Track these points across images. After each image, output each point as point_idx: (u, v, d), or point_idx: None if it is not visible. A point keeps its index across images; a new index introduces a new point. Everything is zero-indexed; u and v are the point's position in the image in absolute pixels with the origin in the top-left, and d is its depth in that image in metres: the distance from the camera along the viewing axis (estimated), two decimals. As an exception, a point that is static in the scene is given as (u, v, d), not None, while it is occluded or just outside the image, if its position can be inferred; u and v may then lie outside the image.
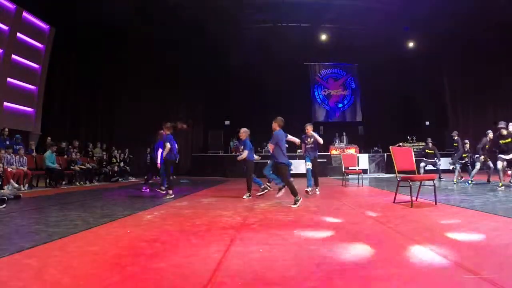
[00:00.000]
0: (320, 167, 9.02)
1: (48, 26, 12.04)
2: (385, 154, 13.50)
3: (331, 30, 14.89)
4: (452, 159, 9.32)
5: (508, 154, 6.54)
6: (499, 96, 13.82)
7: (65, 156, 9.75)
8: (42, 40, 11.90)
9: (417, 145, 13.55)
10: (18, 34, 10.88)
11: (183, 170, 14.20)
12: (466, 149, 8.82)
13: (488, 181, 7.73)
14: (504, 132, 6.59)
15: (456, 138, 9.16)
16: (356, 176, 9.08)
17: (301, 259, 2.27)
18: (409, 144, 13.65)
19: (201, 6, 12.54)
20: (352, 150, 13.32)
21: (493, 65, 13.48)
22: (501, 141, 6.62)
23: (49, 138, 9.75)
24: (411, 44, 15.25)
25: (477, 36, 13.13)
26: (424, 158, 9.52)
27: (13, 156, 7.80)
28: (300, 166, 10.45)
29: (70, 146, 10.17)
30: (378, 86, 15.36)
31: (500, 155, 6.61)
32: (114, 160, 11.64)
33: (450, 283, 1.80)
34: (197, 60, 14.81)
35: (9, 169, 7.29)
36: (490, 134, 7.43)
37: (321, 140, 6.43)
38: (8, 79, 10.62)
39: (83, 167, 9.92)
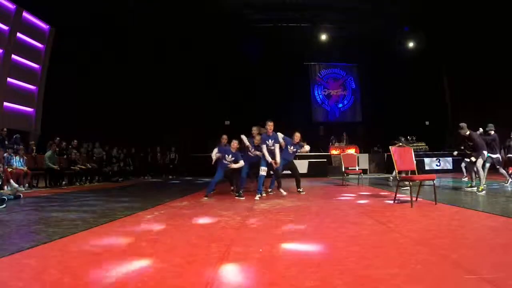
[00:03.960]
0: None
1: (48, 26, 12.03)
2: (385, 154, 13.50)
3: (331, 30, 14.90)
4: None
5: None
6: (499, 95, 13.80)
7: (65, 156, 9.74)
8: (42, 40, 11.89)
9: (417, 145, 13.53)
10: (18, 34, 10.86)
11: (183, 170, 14.23)
12: None
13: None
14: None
15: None
16: (356, 176, 9.07)
17: (301, 259, 2.27)
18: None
19: (201, 6, 12.55)
20: (352, 150, 13.30)
21: (494, 64, 13.47)
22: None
23: (58, 138, 9.72)
24: (411, 44, 15.25)
25: (478, 35, 13.12)
26: None
27: (13, 156, 7.80)
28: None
29: (70, 146, 10.16)
30: (378, 86, 15.36)
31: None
32: (114, 160, 11.64)
33: (450, 283, 1.80)
34: (197, 60, 14.81)
35: (9, 169, 7.29)
36: None
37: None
38: (8, 79, 10.60)
39: (83, 167, 9.91)
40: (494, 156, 6.46)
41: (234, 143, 5.96)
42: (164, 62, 14.60)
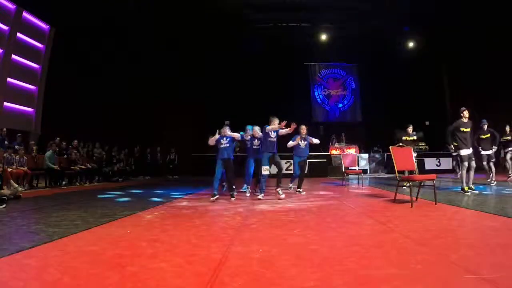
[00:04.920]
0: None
1: (48, 26, 12.02)
2: (385, 154, 13.49)
3: (331, 30, 14.89)
4: None
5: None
6: (499, 95, 13.80)
7: (65, 156, 9.75)
8: (42, 40, 11.88)
9: (417, 145, 13.52)
10: (18, 34, 10.85)
11: (183, 170, 14.22)
12: None
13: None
14: None
15: None
16: (356, 176, 9.07)
17: (301, 259, 2.27)
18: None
19: (201, 6, 12.55)
20: (352, 150, 13.30)
21: (494, 64, 13.48)
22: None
23: (58, 138, 9.73)
24: (411, 44, 15.24)
25: (477, 35, 13.13)
26: None
27: (13, 156, 7.79)
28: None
29: (70, 146, 10.16)
30: (378, 86, 15.34)
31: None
32: (114, 160, 11.64)
33: (450, 283, 1.80)
34: (197, 60, 14.80)
35: (9, 169, 7.28)
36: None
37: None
38: (8, 79, 10.59)
39: (83, 167, 9.92)
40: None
41: (303, 129, 6.56)
42: (163, 61, 14.59)
